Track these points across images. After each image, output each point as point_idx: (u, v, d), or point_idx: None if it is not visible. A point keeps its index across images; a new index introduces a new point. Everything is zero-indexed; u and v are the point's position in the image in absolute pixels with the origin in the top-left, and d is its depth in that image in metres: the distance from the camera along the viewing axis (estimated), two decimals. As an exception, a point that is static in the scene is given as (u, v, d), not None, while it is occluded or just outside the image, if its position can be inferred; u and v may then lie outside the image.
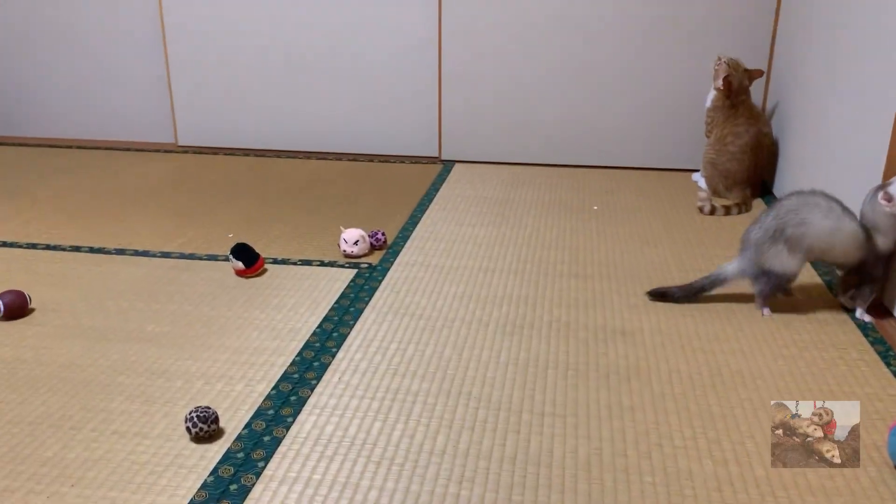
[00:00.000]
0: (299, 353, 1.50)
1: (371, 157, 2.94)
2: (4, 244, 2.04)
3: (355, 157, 2.94)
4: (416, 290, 1.79)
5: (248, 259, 1.83)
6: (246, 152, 3.00)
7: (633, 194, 2.50)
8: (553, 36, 2.69)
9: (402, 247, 2.04)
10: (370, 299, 1.74)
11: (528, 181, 2.64)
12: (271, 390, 1.37)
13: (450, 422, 1.28)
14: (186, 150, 3.05)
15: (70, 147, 3.08)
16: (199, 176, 2.69)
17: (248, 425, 1.27)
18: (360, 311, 1.68)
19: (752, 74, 2.40)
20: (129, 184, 2.59)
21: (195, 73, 2.95)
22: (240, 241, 1.89)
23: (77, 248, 2.02)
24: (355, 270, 1.89)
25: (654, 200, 2.44)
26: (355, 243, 1.97)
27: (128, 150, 3.05)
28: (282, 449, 1.21)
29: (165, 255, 1.98)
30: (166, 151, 3.03)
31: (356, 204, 2.40)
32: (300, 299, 1.73)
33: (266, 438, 1.23)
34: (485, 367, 1.45)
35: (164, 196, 2.46)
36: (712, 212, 2.30)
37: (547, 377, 1.41)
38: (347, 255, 1.97)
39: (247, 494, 1.11)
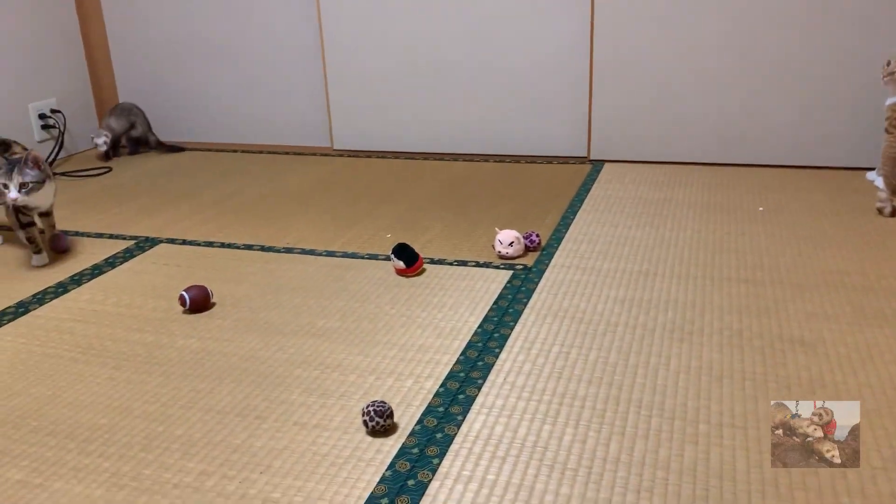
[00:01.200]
0: (463, 352, 1.52)
1: (517, 158, 2.94)
2: (185, 242, 2.21)
3: (501, 159, 2.95)
4: (574, 292, 1.76)
5: (408, 258, 1.88)
6: (396, 155, 3.09)
7: (801, 194, 2.35)
8: (711, 25, 2.58)
9: (556, 249, 2.02)
10: (528, 301, 1.73)
11: (683, 181, 2.55)
12: (439, 388, 1.39)
13: (622, 429, 1.25)
14: (341, 153, 3.17)
15: (235, 151, 3.29)
16: (354, 178, 2.79)
17: (420, 421, 1.29)
18: (519, 313, 1.67)
19: None
20: (291, 186, 2.73)
21: (350, 81, 3.06)
22: (400, 241, 1.94)
23: (249, 247, 2.15)
24: (511, 272, 1.89)
25: (825, 201, 2.28)
26: (510, 244, 1.97)
27: (287, 153, 3.21)
28: (454, 447, 1.23)
29: (330, 253, 2.07)
30: (323, 155, 3.16)
31: (506, 205, 2.40)
32: (459, 299, 1.76)
33: (438, 435, 1.25)
34: (654, 375, 1.40)
35: (323, 197, 2.57)
36: (893, 213, 2.13)
37: (722, 386, 1.35)
38: (502, 257, 1.98)
39: (424, 490, 1.13)
